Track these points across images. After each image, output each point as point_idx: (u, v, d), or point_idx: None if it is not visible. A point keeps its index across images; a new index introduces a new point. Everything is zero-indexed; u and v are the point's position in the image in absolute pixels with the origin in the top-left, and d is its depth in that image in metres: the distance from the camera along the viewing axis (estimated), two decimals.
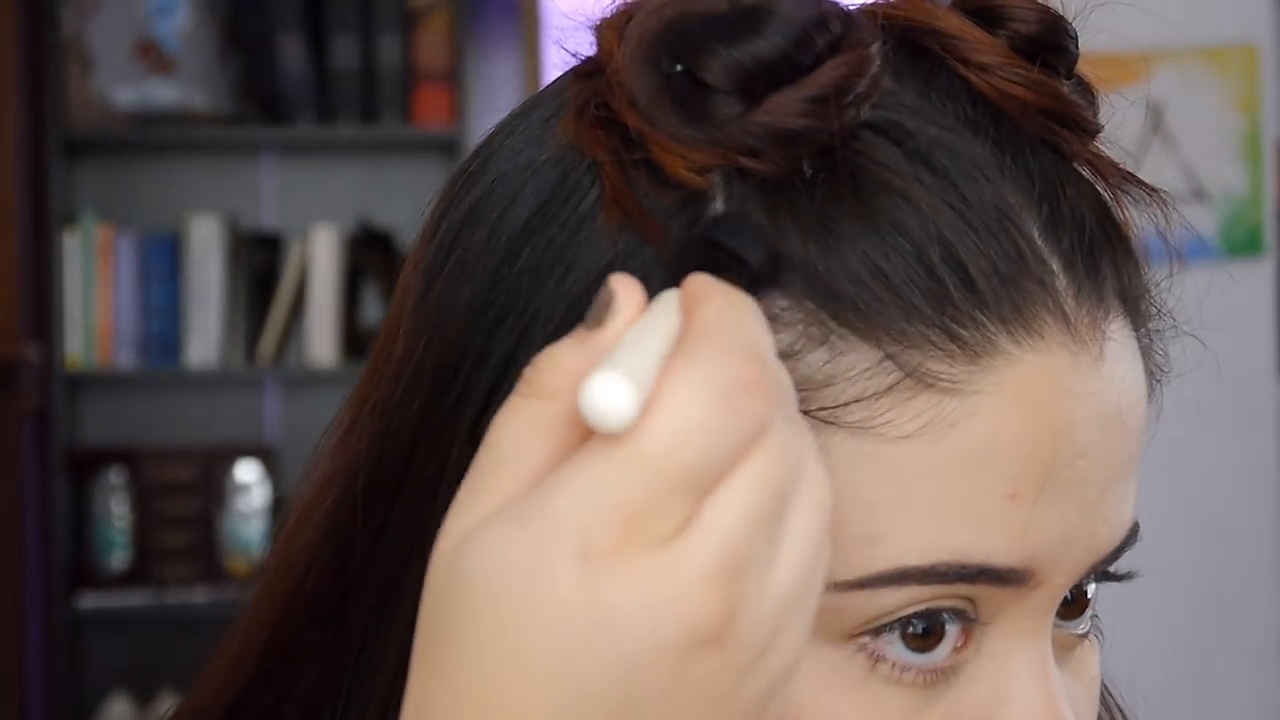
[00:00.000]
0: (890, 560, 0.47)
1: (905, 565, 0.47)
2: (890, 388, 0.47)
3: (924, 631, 0.49)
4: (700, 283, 0.42)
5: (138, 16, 3.21)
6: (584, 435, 0.40)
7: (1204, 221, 2.22)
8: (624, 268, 0.48)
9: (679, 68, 0.48)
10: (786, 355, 0.47)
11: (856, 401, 0.47)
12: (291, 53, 3.21)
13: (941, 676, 0.49)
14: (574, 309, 0.49)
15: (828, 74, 0.48)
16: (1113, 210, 0.52)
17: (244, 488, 3.29)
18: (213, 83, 3.22)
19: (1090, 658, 0.54)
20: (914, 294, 0.47)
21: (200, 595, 3.20)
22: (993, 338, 0.48)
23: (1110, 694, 0.65)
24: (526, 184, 0.52)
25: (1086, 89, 0.54)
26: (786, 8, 0.48)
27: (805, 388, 0.47)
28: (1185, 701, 2.16)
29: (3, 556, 2.95)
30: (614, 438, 0.39)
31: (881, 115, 0.49)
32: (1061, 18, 0.53)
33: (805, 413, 0.47)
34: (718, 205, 0.48)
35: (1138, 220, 0.54)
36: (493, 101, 3.35)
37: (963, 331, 0.47)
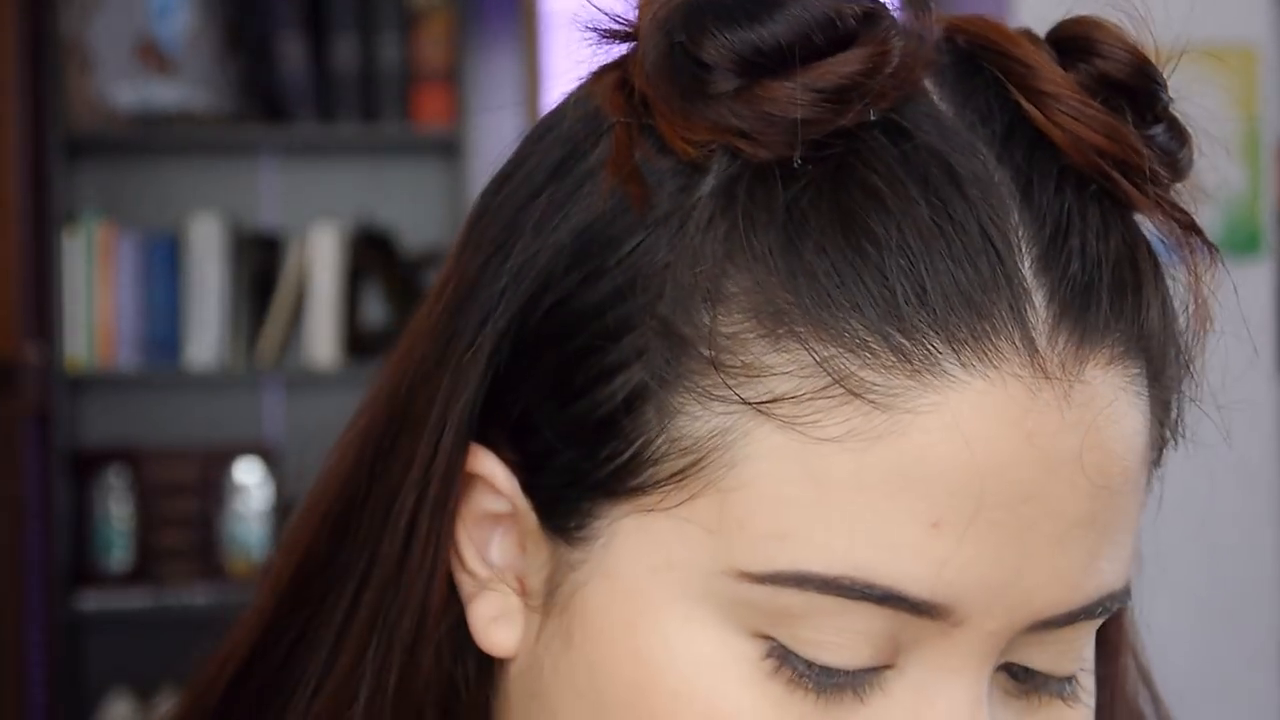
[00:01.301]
0: (793, 561, 0.47)
1: (808, 570, 0.47)
2: (821, 389, 0.46)
3: None
4: None
5: (138, 16, 3.21)
6: None
7: (1203, 221, 2.22)
8: (609, 226, 0.50)
9: (682, 41, 0.49)
10: (730, 337, 0.47)
11: (789, 398, 0.47)
12: (291, 53, 3.21)
13: (852, 690, 0.48)
14: (554, 259, 0.50)
15: (832, 68, 0.47)
16: (1142, 261, 0.50)
17: (244, 488, 3.29)
18: (213, 83, 3.22)
19: (1068, 715, 0.51)
20: (864, 298, 0.47)
21: (200, 595, 3.20)
22: (937, 356, 0.46)
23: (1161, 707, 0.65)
24: (559, 140, 0.53)
25: (1179, 136, 0.52)
26: (803, 2, 0.48)
27: (742, 374, 0.47)
28: (1185, 702, 2.15)
29: (3, 556, 2.95)
30: None
31: (894, 118, 0.48)
32: (1150, 63, 0.51)
33: (733, 401, 0.47)
34: (709, 181, 0.49)
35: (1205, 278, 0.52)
36: (493, 101, 3.35)
37: (905, 343, 0.46)
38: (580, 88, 0.55)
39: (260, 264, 3.29)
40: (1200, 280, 0.52)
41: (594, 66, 0.54)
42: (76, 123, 3.16)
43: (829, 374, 0.46)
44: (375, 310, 3.31)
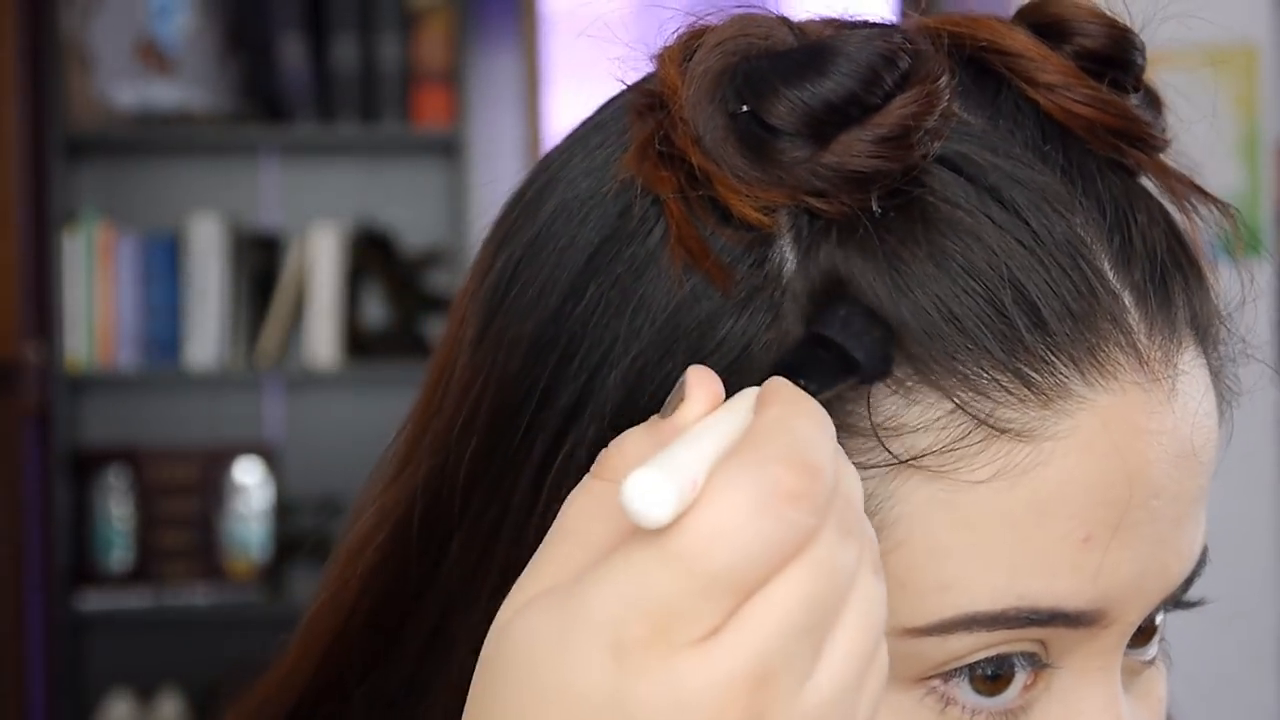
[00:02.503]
0: (961, 607, 0.47)
1: (976, 611, 0.47)
2: (962, 438, 0.46)
3: (993, 675, 0.48)
4: (772, 384, 0.41)
5: (138, 16, 3.21)
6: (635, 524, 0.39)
7: (1204, 221, 2.21)
8: (692, 309, 0.48)
9: (744, 108, 0.47)
10: (858, 400, 0.47)
11: (929, 453, 0.46)
12: (291, 53, 3.21)
13: (1011, 717, 0.49)
14: (643, 353, 0.48)
15: (896, 112, 0.47)
16: (1183, 233, 0.51)
17: (244, 488, 3.29)
18: (213, 83, 3.22)
19: (1156, 681, 0.53)
20: (986, 338, 0.46)
21: (200, 595, 3.20)
22: (1065, 381, 0.47)
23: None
24: (589, 218, 0.51)
25: (1154, 100, 0.53)
26: (854, 45, 0.47)
27: (881, 435, 0.47)
28: (1184, 702, 2.15)
29: (4, 556, 2.95)
30: (656, 534, 0.38)
31: (950, 148, 0.48)
32: (1129, 30, 0.51)
33: (875, 464, 0.47)
34: (785, 246, 0.47)
35: (1203, 231, 0.52)
36: (493, 101, 3.35)
37: (1035, 376, 0.46)
38: (567, 165, 0.53)
39: (260, 264, 3.29)
40: (1197, 232, 0.52)
41: (585, 138, 0.53)
42: (76, 123, 3.16)
43: (971, 417, 0.46)
44: (375, 310, 3.31)
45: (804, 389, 0.43)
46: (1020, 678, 0.48)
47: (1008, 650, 0.48)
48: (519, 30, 3.38)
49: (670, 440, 0.40)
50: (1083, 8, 0.51)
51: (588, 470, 0.48)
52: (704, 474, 0.39)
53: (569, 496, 0.42)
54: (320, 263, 3.22)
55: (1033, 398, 0.46)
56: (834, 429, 0.41)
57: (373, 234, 3.30)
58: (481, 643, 0.42)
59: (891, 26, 0.50)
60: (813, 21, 0.52)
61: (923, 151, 0.47)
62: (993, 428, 0.46)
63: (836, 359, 0.45)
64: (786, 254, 0.47)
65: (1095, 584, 0.47)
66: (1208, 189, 0.52)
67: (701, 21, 0.51)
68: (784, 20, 0.50)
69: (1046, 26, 0.51)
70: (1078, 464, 0.47)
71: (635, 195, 0.49)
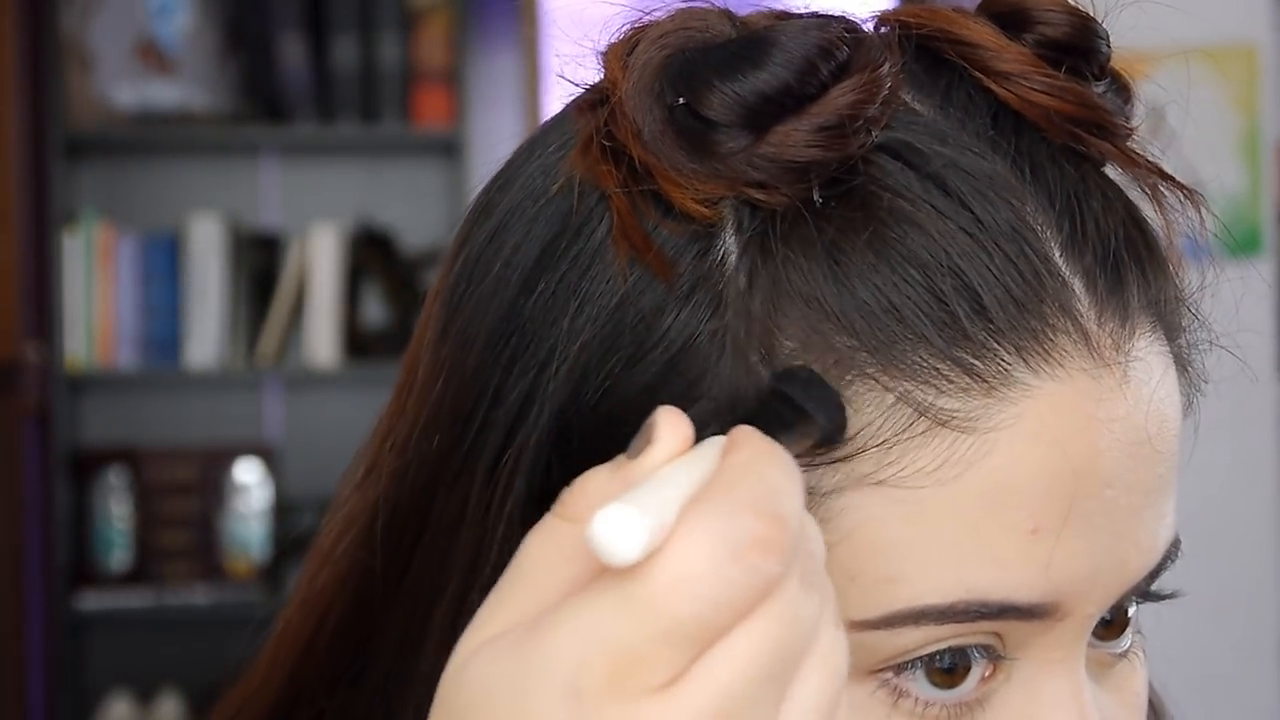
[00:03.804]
0: (909, 600, 0.46)
1: (924, 604, 0.46)
2: (904, 429, 0.46)
3: (949, 667, 0.48)
4: (741, 431, 0.41)
5: (138, 16, 3.21)
6: (602, 566, 0.39)
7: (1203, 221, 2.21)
8: (635, 304, 0.48)
9: (680, 101, 0.47)
10: None
11: (875, 447, 0.46)
12: (291, 53, 3.21)
13: (968, 709, 0.48)
14: (586, 348, 0.48)
15: (834, 101, 0.46)
16: (1142, 220, 0.51)
17: (244, 488, 3.29)
18: (213, 83, 3.22)
19: (1132, 675, 0.53)
20: (925, 327, 0.46)
21: (200, 595, 3.20)
22: (1008, 369, 0.46)
23: (1157, 702, 0.65)
24: (539, 215, 0.51)
25: (1122, 87, 0.52)
26: (789, 36, 0.47)
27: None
28: (1184, 702, 2.15)
29: (3, 556, 2.95)
30: (620, 576, 0.37)
31: (894, 136, 0.48)
32: (1090, 18, 0.51)
33: (820, 463, 0.46)
34: (728, 237, 0.47)
35: (1177, 221, 0.52)
36: (493, 101, 3.35)
37: (977, 364, 0.46)
38: (524, 165, 0.53)
39: (260, 264, 3.29)
40: (1171, 227, 0.52)
41: (542, 138, 0.53)
42: (76, 123, 3.16)
43: (912, 408, 0.46)
44: (375, 310, 3.31)
45: None
46: (977, 670, 0.48)
47: (962, 643, 0.47)
48: (519, 30, 3.38)
49: (637, 481, 0.39)
50: None
51: (533, 467, 0.48)
52: (673, 516, 0.38)
53: (528, 535, 0.41)
54: (320, 263, 3.22)
55: (975, 386, 0.46)
56: (801, 479, 0.40)
57: (373, 234, 3.30)
58: (442, 647, 0.41)
59: (835, 17, 0.50)
60: (758, 13, 0.51)
61: (863, 140, 0.47)
62: (934, 418, 0.46)
63: (796, 417, 0.44)
64: (730, 245, 0.47)
65: (1047, 576, 0.47)
66: (1175, 175, 0.52)
67: (647, 17, 0.51)
68: (725, 13, 0.50)
69: (1009, 16, 0.51)
70: (1023, 454, 0.46)
71: (581, 191, 0.49)
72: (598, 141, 0.49)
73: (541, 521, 0.41)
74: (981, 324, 0.46)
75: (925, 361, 0.46)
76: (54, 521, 3.13)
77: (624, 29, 0.51)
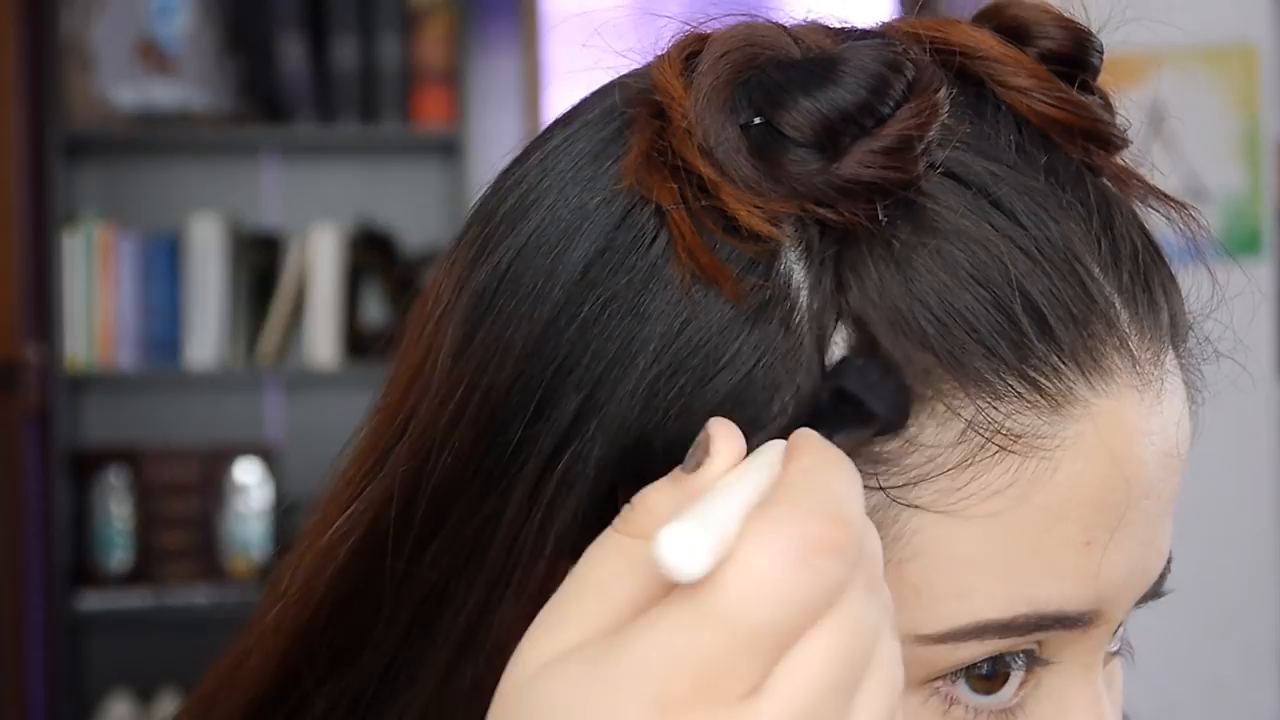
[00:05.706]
0: (972, 615, 0.47)
1: (987, 619, 0.47)
2: (977, 451, 0.47)
3: (989, 673, 0.48)
4: (801, 436, 0.41)
5: (138, 16, 3.21)
6: (670, 579, 0.39)
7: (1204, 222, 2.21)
8: (702, 322, 0.47)
9: (757, 119, 0.47)
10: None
11: (951, 469, 0.47)
12: (291, 53, 3.21)
13: (1010, 714, 0.49)
14: (652, 367, 0.48)
15: (901, 123, 0.47)
16: (1152, 237, 0.51)
17: (244, 488, 3.29)
18: (213, 83, 3.22)
19: (1118, 673, 0.54)
20: (999, 345, 0.46)
21: (200, 595, 3.20)
22: (1072, 386, 0.47)
23: None
24: (581, 228, 0.49)
25: (1107, 102, 0.53)
26: (861, 55, 0.47)
27: (888, 457, 0.47)
28: (1184, 704, 2.15)
29: (4, 556, 2.95)
30: (694, 590, 0.38)
31: (945, 155, 0.48)
32: (1086, 30, 0.52)
33: (895, 484, 0.47)
34: (791, 257, 0.47)
35: (1174, 231, 0.53)
36: (493, 102, 3.35)
37: (1045, 382, 0.47)
38: (547, 175, 0.51)
39: (260, 264, 3.29)
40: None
41: (567, 145, 0.52)
42: (76, 123, 3.16)
43: (981, 434, 0.46)
44: (375, 310, 3.31)
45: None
46: (1016, 676, 0.49)
47: (1008, 650, 0.48)
48: (519, 30, 3.38)
49: (696, 494, 0.40)
50: (1041, 9, 0.52)
51: (594, 483, 0.47)
52: (737, 527, 0.38)
53: (588, 551, 0.42)
54: (320, 263, 3.22)
55: (1043, 403, 0.47)
56: (861, 482, 0.41)
57: (373, 234, 3.30)
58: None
59: (882, 34, 0.50)
60: (804, 27, 0.51)
61: (928, 161, 0.47)
62: (1003, 445, 0.46)
63: (854, 411, 0.45)
64: (794, 265, 0.47)
65: (1094, 585, 0.48)
66: (1167, 191, 0.53)
67: (698, 29, 0.51)
68: (785, 29, 0.50)
69: (1007, 30, 0.51)
70: (1084, 470, 0.47)
71: (632, 204, 0.49)
72: (655, 155, 0.48)
73: (602, 537, 0.42)
74: (1048, 342, 0.47)
75: (999, 379, 0.47)
76: (54, 521, 3.13)
77: (674, 41, 0.50)
